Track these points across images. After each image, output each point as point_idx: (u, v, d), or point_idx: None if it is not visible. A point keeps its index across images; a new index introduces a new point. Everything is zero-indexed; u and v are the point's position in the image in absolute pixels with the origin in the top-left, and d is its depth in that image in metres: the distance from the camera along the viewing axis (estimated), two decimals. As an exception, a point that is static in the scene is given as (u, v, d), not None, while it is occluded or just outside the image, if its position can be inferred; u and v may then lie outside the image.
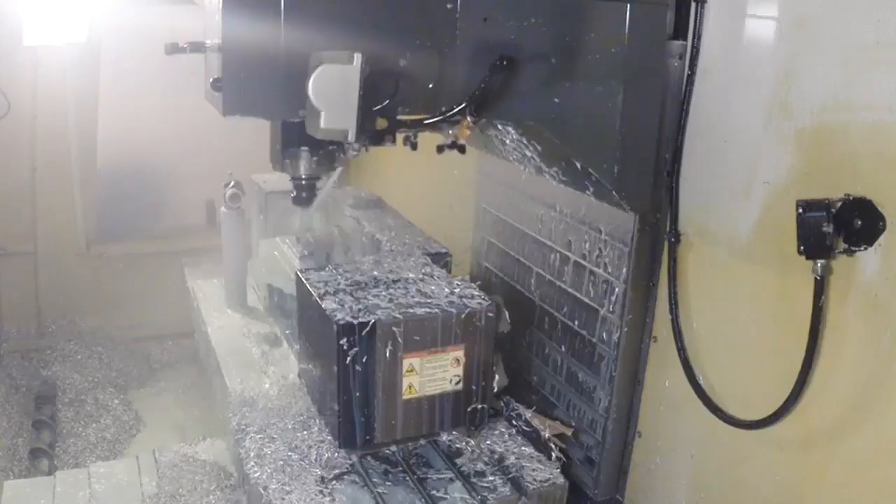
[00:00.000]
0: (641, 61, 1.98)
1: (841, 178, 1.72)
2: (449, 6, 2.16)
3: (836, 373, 1.77)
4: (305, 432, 2.40)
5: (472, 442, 2.39)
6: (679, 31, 2.12)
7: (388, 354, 2.11)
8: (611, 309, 2.41)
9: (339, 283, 2.30)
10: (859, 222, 1.66)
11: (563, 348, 2.69)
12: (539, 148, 2.43)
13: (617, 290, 2.38)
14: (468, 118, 2.14)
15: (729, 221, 2.06)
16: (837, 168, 1.74)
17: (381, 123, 2.09)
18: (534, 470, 2.29)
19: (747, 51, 1.96)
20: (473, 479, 2.22)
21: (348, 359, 2.07)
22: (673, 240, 2.22)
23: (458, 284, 2.33)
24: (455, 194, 3.51)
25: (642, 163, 2.10)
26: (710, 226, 2.13)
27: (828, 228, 1.67)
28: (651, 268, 2.31)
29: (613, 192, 2.10)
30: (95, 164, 4.70)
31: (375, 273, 2.41)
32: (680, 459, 2.31)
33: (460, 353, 2.19)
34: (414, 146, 2.29)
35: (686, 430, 2.28)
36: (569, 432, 2.59)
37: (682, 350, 2.22)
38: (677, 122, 2.14)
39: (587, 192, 2.32)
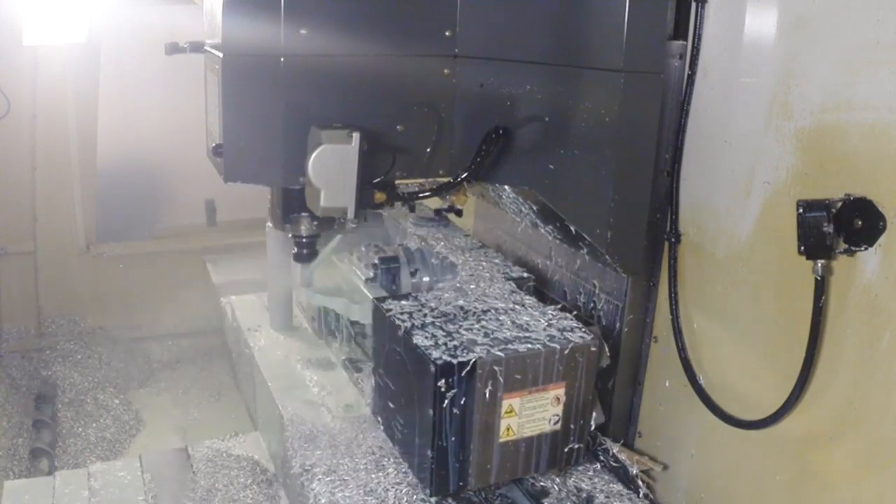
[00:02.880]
0: (635, 130, 1.97)
1: (841, 178, 1.72)
2: (446, 72, 2.19)
3: (837, 373, 1.77)
4: (381, 473, 2.21)
5: (558, 480, 2.23)
6: (679, 31, 2.12)
7: (487, 395, 1.92)
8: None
9: (425, 316, 2.11)
10: (859, 222, 1.67)
11: None
12: (535, 207, 2.46)
13: (611, 342, 2.38)
14: (464, 184, 2.22)
15: (729, 221, 2.06)
16: (837, 168, 1.74)
17: (380, 197, 2.17)
18: None
19: (747, 51, 1.96)
20: None
21: (446, 401, 1.89)
22: (673, 240, 2.22)
23: (552, 314, 2.16)
24: None
25: (635, 228, 2.09)
26: (710, 226, 2.13)
27: (828, 228, 1.67)
28: (651, 268, 2.32)
29: (606, 256, 2.10)
30: (95, 164, 4.71)
31: (461, 303, 2.21)
32: (680, 459, 2.31)
33: (561, 392, 2.02)
34: (412, 209, 2.38)
35: (686, 430, 2.28)
36: (658, 468, 2.45)
37: (682, 350, 2.22)
38: (677, 122, 2.15)
39: (581, 251, 2.36)
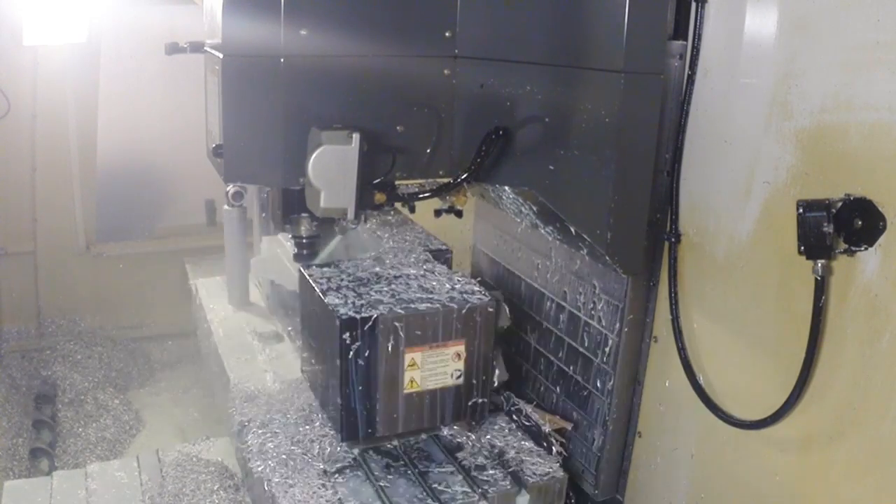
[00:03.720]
0: (635, 131, 1.97)
1: (841, 178, 1.72)
2: (446, 73, 2.20)
3: (836, 373, 1.77)
4: (308, 427, 2.41)
5: (473, 436, 2.40)
6: (679, 31, 2.12)
7: (389, 349, 2.13)
8: (604, 360, 2.45)
9: (341, 280, 2.32)
10: (859, 222, 1.67)
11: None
12: (535, 208, 2.47)
13: (611, 342, 2.42)
14: (465, 185, 2.25)
15: (729, 221, 2.06)
16: (837, 168, 1.74)
17: (380, 198, 2.23)
18: (534, 464, 2.31)
19: (747, 51, 1.96)
20: (474, 473, 2.24)
21: (351, 353, 2.09)
22: (673, 240, 2.22)
23: (458, 280, 2.34)
24: (452, 237, 3.52)
25: (635, 229, 2.10)
26: (710, 226, 2.13)
27: (828, 228, 1.67)
28: (651, 268, 2.32)
29: (606, 257, 2.11)
30: (95, 164, 4.71)
31: (377, 269, 2.42)
32: (680, 459, 2.31)
33: (461, 348, 2.21)
34: (412, 209, 2.42)
35: (686, 430, 2.28)
36: (569, 427, 2.62)
37: (682, 350, 2.22)
38: (677, 122, 2.15)
39: (581, 251, 2.38)
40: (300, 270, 2.42)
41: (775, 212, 1.91)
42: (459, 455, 2.32)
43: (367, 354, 2.11)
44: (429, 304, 2.17)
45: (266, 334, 3.20)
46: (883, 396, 1.67)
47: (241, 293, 3.53)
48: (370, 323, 2.09)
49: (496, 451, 2.36)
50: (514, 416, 2.52)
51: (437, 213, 2.46)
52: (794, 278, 1.83)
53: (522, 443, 2.41)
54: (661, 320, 2.32)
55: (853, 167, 1.70)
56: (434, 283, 2.32)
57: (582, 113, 2.05)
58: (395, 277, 2.36)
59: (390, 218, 2.98)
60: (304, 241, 2.44)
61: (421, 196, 2.32)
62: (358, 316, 2.08)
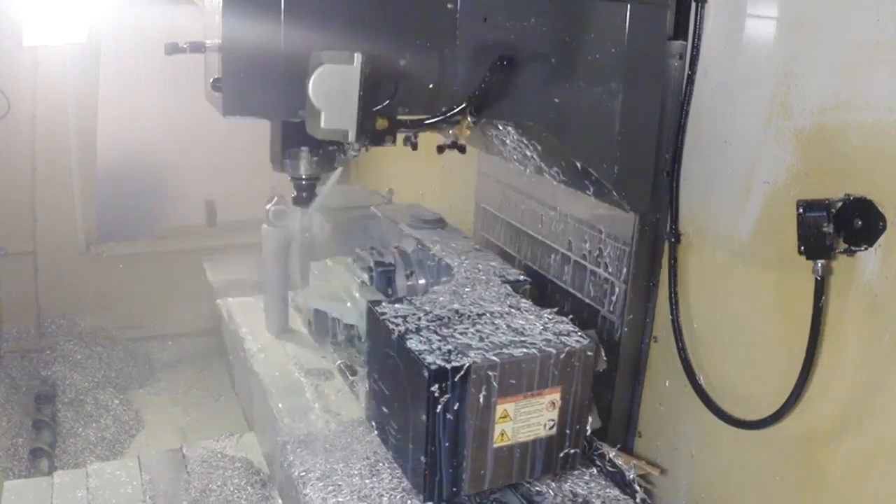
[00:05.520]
0: (641, 62, 1.97)
1: (841, 178, 1.72)
2: (449, 6, 2.14)
3: (837, 373, 1.78)
4: (375, 479, 2.18)
5: (554, 485, 2.21)
6: (679, 31, 2.12)
7: (481, 400, 1.91)
8: (611, 308, 2.41)
9: (419, 319, 2.10)
10: (859, 222, 1.67)
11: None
12: (539, 148, 2.41)
13: (618, 289, 2.37)
14: (468, 118, 2.10)
15: (729, 221, 2.06)
16: (837, 168, 1.74)
17: (382, 123, 2.06)
18: None
19: (747, 51, 1.96)
20: None
21: (439, 407, 1.88)
22: (673, 240, 2.22)
23: (548, 318, 2.15)
24: (455, 194, 3.51)
25: (642, 163, 2.09)
26: (710, 226, 2.13)
27: (828, 228, 1.67)
28: (651, 268, 2.32)
29: (613, 193, 2.10)
30: (95, 164, 4.71)
31: (456, 306, 2.20)
32: (680, 459, 2.31)
33: (556, 396, 2.00)
34: (414, 146, 2.25)
35: (686, 430, 2.28)
36: (656, 472, 2.44)
37: (682, 350, 2.22)
38: (677, 122, 2.15)
39: (587, 192, 2.29)
40: (368, 306, 2.22)
41: (775, 212, 1.91)
42: None
43: (456, 408, 1.90)
44: (524, 350, 1.94)
45: (311, 365, 2.90)
46: (883, 396, 1.67)
47: (281, 320, 3.19)
48: (462, 373, 1.86)
49: (579, 500, 2.16)
50: (598, 461, 2.32)
51: (440, 148, 2.33)
52: (794, 278, 1.83)
53: (607, 491, 2.19)
54: (661, 320, 2.32)
55: (853, 167, 1.70)
56: (522, 323, 2.10)
57: (587, 44, 2.03)
58: (479, 316, 2.13)
59: (456, 244, 2.74)
60: (304, 182, 2.28)
61: (425, 123, 2.15)
62: (448, 366, 1.85)
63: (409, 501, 2.07)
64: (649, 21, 1.94)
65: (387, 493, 2.12)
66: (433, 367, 1.85)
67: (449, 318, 2.11)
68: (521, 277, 2.47)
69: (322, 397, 2.67)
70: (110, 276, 4.84)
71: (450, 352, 1.92)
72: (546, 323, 2.10)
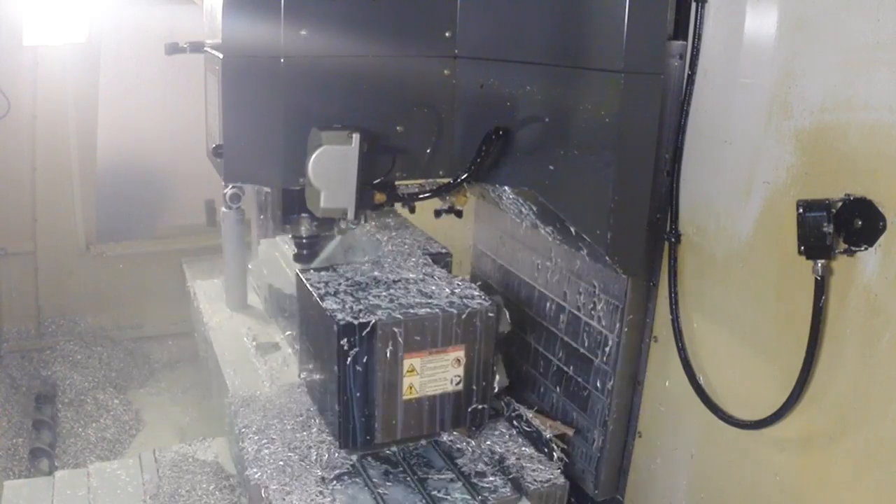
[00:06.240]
0: (635, 131, 1.97)
1: (841, 178, 1.72)
2: (446, 73, 2.19)
3: (836, 373, 1.77)
4: (305, 433, 2.39)
5: (473, 442, 2.38)
6: (679, 31, 2.12)
7: (388, 355, 2.10)
8: (604, 360, 2.44)
9: (339, 284, 2.30)
10: (859, 222, 1.67)
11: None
12: (534, 209, 2.48)
13: (611, 342, 2.41)
14: (465, 185, 2.24)
15: (729, 221, 2.06)
16: (837, 168, 1.74)
17: (380, 198, 2.22)
18: (534, 470, 2.30)
19: (747, 51, 1.96)
20: (474, 480, 2.23)
21: (349, 359, 2.07)
22: (673, 240, 2.22)
23: (458, 284, 2.32)
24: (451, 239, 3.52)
25: (635, 229, 2.09)
26: (710, 226, 2.13)
27: (828, 228, 1.67)
28: (651, 268, 2.32)
29: (606, 258, 2.11)
30: (95, 164, 4.71)
31: (376, 274, 2.40)
32: (680, 459, 2.31)
33: (461, 354, 2.19)
34: (412, 210, 2.41)
35: (686, 430, 2.28)
36: (570, 432, 2.59)
37: (682, 350, 2.22)
38: (677, 122, 2.15)
39: (581, 251, 2.37)
40: (297, 274, 2.40)
41: (775, 212, 1.91)
42: (459, 461, 2.31)
43: (365, 360, 2.09)
44: (428, 310, 2.14)
45: (264, 339, 3.18)
46: (883, 396, 1.67)
47: (240, 296, 3.52)
48: (368, 328, 2.06)
49: (496, 457, 2.35)
50: (515, 422, 2.51)
51: (437, 213, 2.46)
52: (794, 278, 1.83)
53: (523, 449, 2.39)
54: (661, 320, 2.32)
55: (853, 167, 1.70)
56: (433, 288, 2.30)
57: (582, 113, 2.05)
58: (394, 282, 2.34)
59: (389, 221, 2.97)
60: (304, 241, 2.43)
61: (421, 196, 2.31)
62: (356, 321, 2.05)
63: (336, 453, 2.30)
64: (643, 91, 1.94)
65: (315, 445, 2.34)
66: (342, 322, 2.05)
67: (367, 284, 2.32)
68: (443, 250, 2.64)
69: (269, 365, 2.95)
70: (110, 276, 4.84)
71: (360, 311, 2.12)
72: (455, 288, 2.30)
